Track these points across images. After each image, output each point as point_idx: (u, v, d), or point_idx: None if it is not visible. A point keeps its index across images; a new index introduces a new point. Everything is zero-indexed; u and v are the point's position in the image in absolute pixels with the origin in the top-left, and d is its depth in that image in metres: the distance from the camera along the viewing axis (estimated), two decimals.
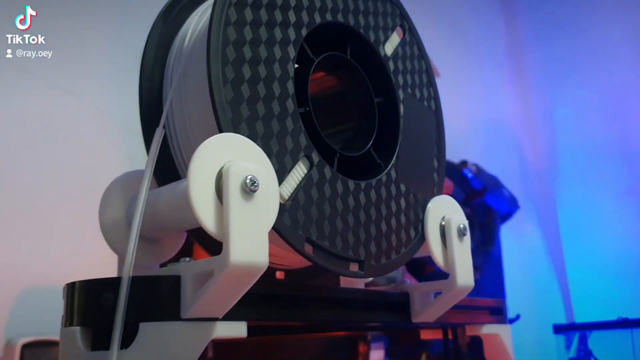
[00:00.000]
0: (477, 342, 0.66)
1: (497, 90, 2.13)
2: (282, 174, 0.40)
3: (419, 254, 0.52)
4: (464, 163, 1.89)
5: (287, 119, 0.41)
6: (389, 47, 0.54)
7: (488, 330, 0.63)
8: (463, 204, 1.95)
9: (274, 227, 0.39)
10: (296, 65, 0.44)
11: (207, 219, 0.34)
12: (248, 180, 0.34)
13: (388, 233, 0.48)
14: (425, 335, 0.67)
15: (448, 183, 1.75)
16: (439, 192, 0.55)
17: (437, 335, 0.64)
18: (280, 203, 0.39)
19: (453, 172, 1.90)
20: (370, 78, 0.52)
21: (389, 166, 0.50)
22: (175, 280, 0.36)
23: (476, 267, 0.56)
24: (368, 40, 0.51)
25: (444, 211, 0.53)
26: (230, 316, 0.37)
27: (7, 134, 0.73)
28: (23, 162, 0.74)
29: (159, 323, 0.35)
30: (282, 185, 0.40)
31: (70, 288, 0.38)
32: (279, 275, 0.53)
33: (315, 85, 0.53)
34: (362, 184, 0.47)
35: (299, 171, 0.42)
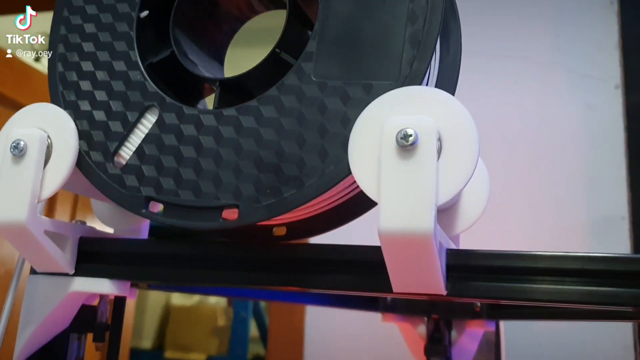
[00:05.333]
0: None
1: None
2: (120, 137, 0.39)
3: None
4: None
5: (120, 73, 0.40)
6: None
7: None
8: None
9: (109, 196, 0.38)
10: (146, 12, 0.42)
11: None
12: (12, 147, 0.36)
13: (287, 159, 0.36)
14: None
15: None
16: (418, 74, 0.34)
17: None
18: (115, 169, 0.39)
19: None
20: None
21: (287, 74, 0.36)
22: None
23: None
24: None
25: (390, 111, 0.33)
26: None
27: None
28: None
29: None
30: (123, 148, 0.39)
31: None
32: (279, 231, 0.45)
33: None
34: (244, 108, 0.36)
35: (147, 126, 0.38)
